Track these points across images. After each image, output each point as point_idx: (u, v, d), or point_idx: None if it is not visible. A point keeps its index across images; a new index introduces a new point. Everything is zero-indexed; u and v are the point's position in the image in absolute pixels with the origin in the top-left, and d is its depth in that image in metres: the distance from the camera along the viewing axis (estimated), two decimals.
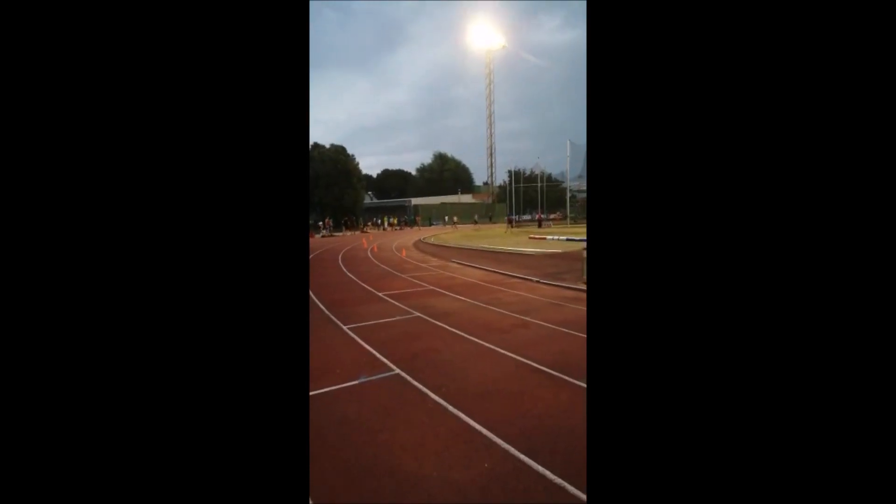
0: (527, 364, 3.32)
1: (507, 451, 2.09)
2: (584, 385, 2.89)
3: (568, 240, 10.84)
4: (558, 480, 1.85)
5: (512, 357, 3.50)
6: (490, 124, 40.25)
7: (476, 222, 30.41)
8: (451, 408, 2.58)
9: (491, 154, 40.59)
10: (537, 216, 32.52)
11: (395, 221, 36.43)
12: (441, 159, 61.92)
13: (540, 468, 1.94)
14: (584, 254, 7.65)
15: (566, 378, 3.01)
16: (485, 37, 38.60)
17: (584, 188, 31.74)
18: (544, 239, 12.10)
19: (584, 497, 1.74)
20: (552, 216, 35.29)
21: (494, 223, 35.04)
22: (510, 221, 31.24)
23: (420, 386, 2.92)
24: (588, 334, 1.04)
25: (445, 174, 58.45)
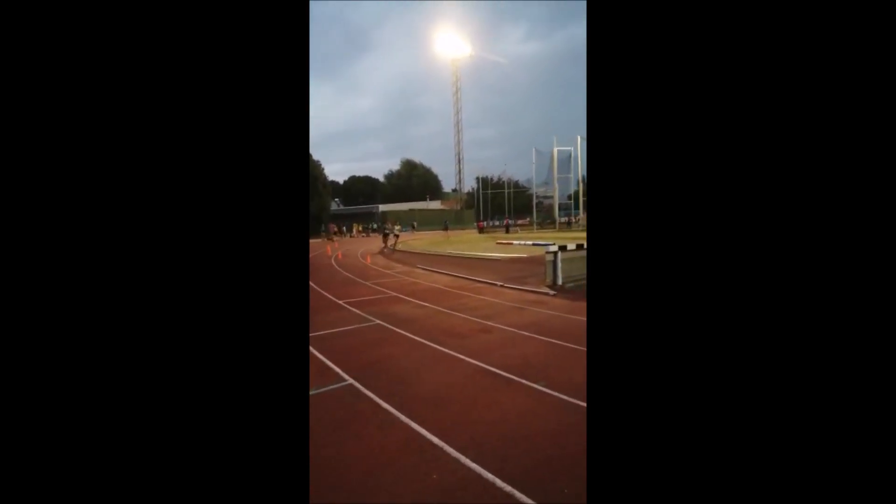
0: (485, 369, 3.27)
1: (457, 461, 2.01)
2: (540, 387, 2.86)
3: (534, 244, 11.03)
4: (507, 488, 1.78)
5: (471, 362, 3.44)
6: (458, 132, 40.66)
7: (446, 229, 30.41)
8: (403, 417, 2.48)
9: (459, 161, 40.95)
10: (505, 222, 33.00)
11: (361, 228, 35.72)
12: (409, 166, 61.82)
13: (489, 476, 1.87)
14: (548, 257, 7.76)
15: (523, 381, 2.98)
16: (451, 45, 39.08)
17: (550, 194, 32.59)
18: (511, 244, 12.24)
19: (531, 503, 1.68)
20: (520, 222, 35.89)
21: (464, 229, 35.21)
22: (481, 227, 31.55)
23: (373, 396, 2.80)
24: (588, 336, 1.01)
25: (414, 180, 58.36)
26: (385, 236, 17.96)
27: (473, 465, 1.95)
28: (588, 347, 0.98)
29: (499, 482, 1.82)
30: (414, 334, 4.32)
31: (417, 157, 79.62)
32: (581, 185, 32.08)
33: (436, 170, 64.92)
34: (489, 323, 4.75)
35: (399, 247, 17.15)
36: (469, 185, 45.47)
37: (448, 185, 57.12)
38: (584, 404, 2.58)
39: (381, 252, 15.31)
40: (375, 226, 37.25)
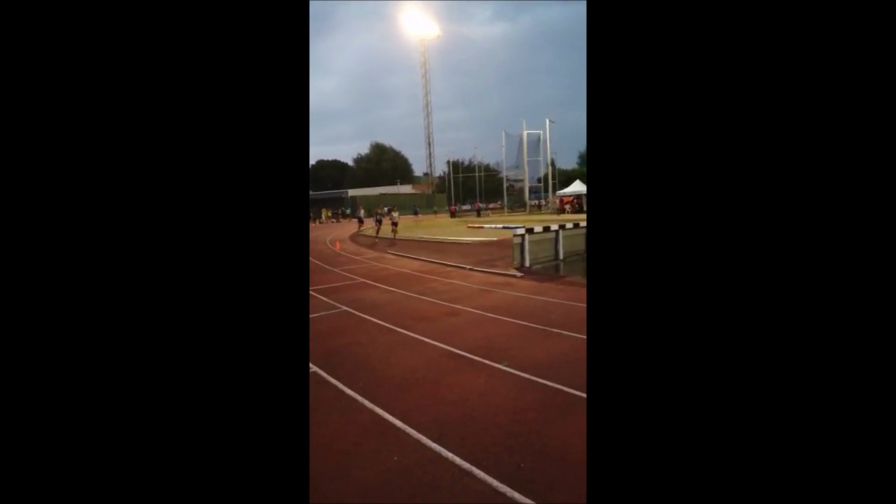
0: (450, 351, 3.31)
1: (418, 442, 2.04)
2: (503, 367, 2.93)
3: (504, 227, 11.15)
4: (466, 465, 1.83)
5: (436, 345, 3.47)
6: (427, 114, 40.04)
7: (416, 213, 30.20)
8: (366, 402, 2.48)
9: (429, 144, 40.47)
10: (476, 206, 33.12)
11: (330, 214, 34.78)
12: (379, 149, 60.61)
13: (449, 455, 1.91)
14: (515, 240, 7.88)
15: (486, 362, 3.04)
16: (418, 26, 38.06)
17: (520, 178, 32.86)
18: (482, 228, 12.32)
19: (489, 479, 1.74)
20: (491, 205, 36.13)
21: (436, 214, 35.13)
22: (452, 211, 31.55)
23: (336, 382, 2.79)
24: (588, 334, 1.00)
25: (384, 164, 57.35)
26: (378, 222, 15.81)
27: (434, 446, 1.99)
28: (588, 346, 0.98)
29: (458, 460, 1.87)
30: (381, 320, 4.31)
31: (387, 141, 78.18)
32: (550, 168, 32.53)
33: (406, 153, 64.13)
34: (456, 306, 4.80)
35: (369, 233, 16.39)
36: (440, 168, 45.18)
37: (419, 169, 56.55)
38: (543, 381, 2.67)
39: (373, 244, 13.13)
40: (347, 211, 36.47)
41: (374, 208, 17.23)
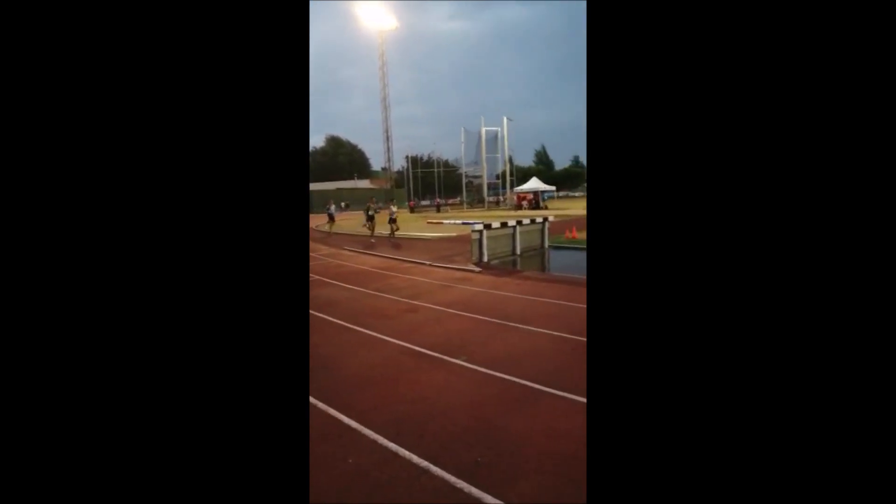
0: (409, 349, 3.28)
1: (374, 442, 1.99)
2: (461, 362, 2.94)
3: (463, 223, 11.21)
4: (424, 463, 1.81)
5: (395, 343, 3.42)
6: (385, 107, 39.40)
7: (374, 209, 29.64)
8: (320, 405, 2.39)
9: (388, 138, 39.88)
10: (436, 201, 33.13)
11: None
12: (335, 143, 58.87)
13: (406, 454, 1.88)
14: (474, 235, 7.95)
15: (444, 358, 3.04)
16: (375, 17, 37.24)
17: (479, 174, 33.22)
18: (441, 223, 12.32)
19: (446, 476, 1.73)
20: (450, 201, 36.27)
21: (398, 209, 34.68)
22: (412, 206, 31.37)
23: None
24: (588, 334, 0.97)
25: (340, 158, 55.79)
26: (371, 220, 12.16)
27: (391, 445, 1.96)
28: (588, 345, 0.97)
29: (415, 458, 1.85)
30: (338, 319, 4.19)
31: (344, 134, 76.02)
32: (508, 165, 33.14)
33: (363, 147, 62.75)
34: (415, 302, 4.77)
35: (325, 228, 15.00)
36: (399, 163, 44.65)
37: (377, 164, 55.57)
38: (501, 374, 2.71)
39: (369, 243, 11.22)
40: None
41: (366, 202, 13.26)
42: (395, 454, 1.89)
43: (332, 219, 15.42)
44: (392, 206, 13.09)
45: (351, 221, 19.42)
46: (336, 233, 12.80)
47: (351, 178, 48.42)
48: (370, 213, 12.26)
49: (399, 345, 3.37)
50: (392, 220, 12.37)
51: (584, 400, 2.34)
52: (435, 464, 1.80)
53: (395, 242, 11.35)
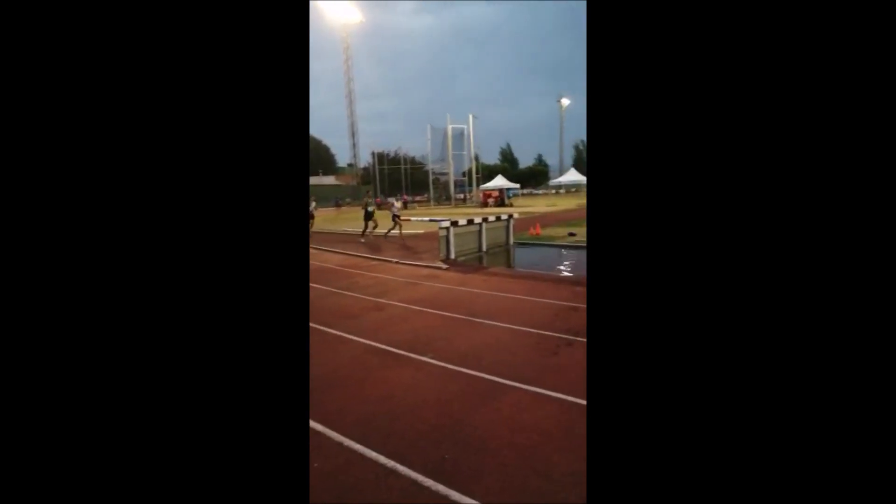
0: (375, 347, 3.24)
1: (340, 445, 1.96)
2: (427, 359, 2.94)
3: (430, 220, 11.17)
4: (391, 463, 1.80)
5: (361, 342, 3.37)
6: (350, 102, 38.54)
7: (338, 206, 29.06)
8: None
9: (353, 134, 39.06)
10: (403, 198, 32.90)
11: None
12: None
13: (373, 454, 1.87)
14: (441, 232, 7.96)
15: (411, 356, 3.03)
16: (339, 11, 36.30)
17: (446, 171, 33.27)
18: (409, 220, 12.22)
19: (413, 474, 1.73)
20: (418, 198, 36.11)
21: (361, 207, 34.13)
22: (379, 203, 30.96)
23: None
24: (588, 335, 0.96)
25: None
26: (369, 216, 10.66)
27: (357, 447, 1.93)
28: (588, 346, 0.96)
29: (382, 459, 1.83)
30: None
31: None
32: (474, 162, 33.38)
33: (328, 142, 61.21)
34: (381, 300, 4.72)
35: (347, 230, 13.10)
36: (365, 160, 43.88)
37: (342, 160, 54.35)
38: (467, 370, 2.73)
39: (360, 240, 10.31)
40: None
41: (362, 197, 11.54)
42: (362, 456, 1.87)
43: (311, 217, 13.59)
44: (397, 203, 11.91)
45: (314, 218, 18.87)
46: (375, 234, 10.95)
47: (315, 174, 47.08)
48: (369, 209, 10.84)
49: (365, 344, 3.32)
50: (396, 217, 10.95)
51: (545, 392, 2.41)
52: (402, 463, 1.80)
53: (402, 243, 10.04)
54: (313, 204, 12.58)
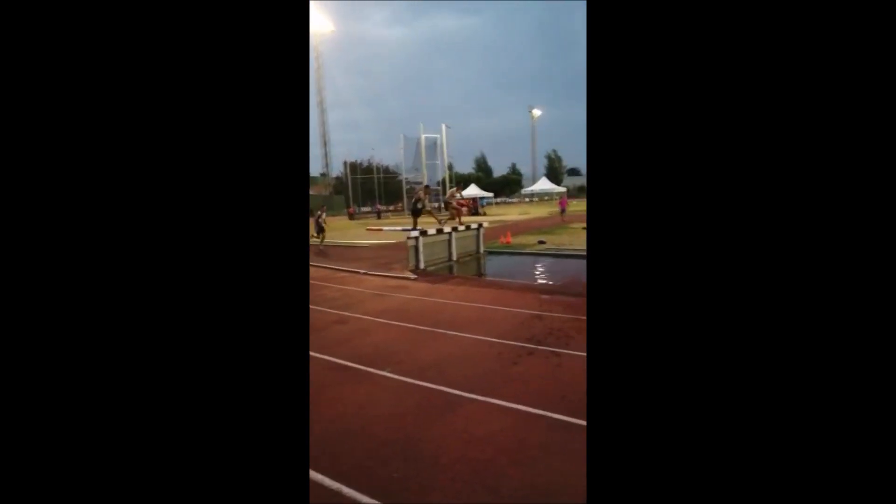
0: (333, 363, 3.15)
1: None
2: (386, 374, 2.88)
3: (403, 230, 11.09)
4: (335, 485, 1.73)
5: (319, 358, 3.27)
6: (322, 111, 38.18)
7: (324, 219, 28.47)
8: None
9: (325, 143, 38.63)
10: (376, 208, 32.68)
11: None
12: None
13: (318, 477, 1.79)
14: (410, 242, 7.92)
15: (369, 370, 2.96)
16: (311, 18, 36.10)
17: (419, 180, 33.31)
18: (381, 230, 12.12)
19: (358, 496, 1.67)
20: (391, 207, 35.95)
21: (334, 215, 33.73)
22: (351, 213, 30.63)
23: None
24: (588, 339, 0.94)
25: None
26: (320, 230, 11.24)
27: None
28: (588, 346, 0.95)
29: (327, 481, 1.76)
30: None
31: None
32: (448, 172, 33.62)
33: None
34: (345, 313, 4.62)
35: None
36: (337, 169, 43.44)
37: (315, 170, 53.62)
38: (425, 383, 2.69)
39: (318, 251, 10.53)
40: None
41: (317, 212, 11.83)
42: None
43: (322, 230, 12.74)
44: (322, 213, 11.91)
45: None
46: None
47: None
48: (320, 222, 11.40)
49: (324, 359, 3.23)
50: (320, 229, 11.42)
51: (503, 403, 2.40)
52: (348, 485, 1.73)
53: (322, 250, 10.66)
54: (323, 215, 11.74)
